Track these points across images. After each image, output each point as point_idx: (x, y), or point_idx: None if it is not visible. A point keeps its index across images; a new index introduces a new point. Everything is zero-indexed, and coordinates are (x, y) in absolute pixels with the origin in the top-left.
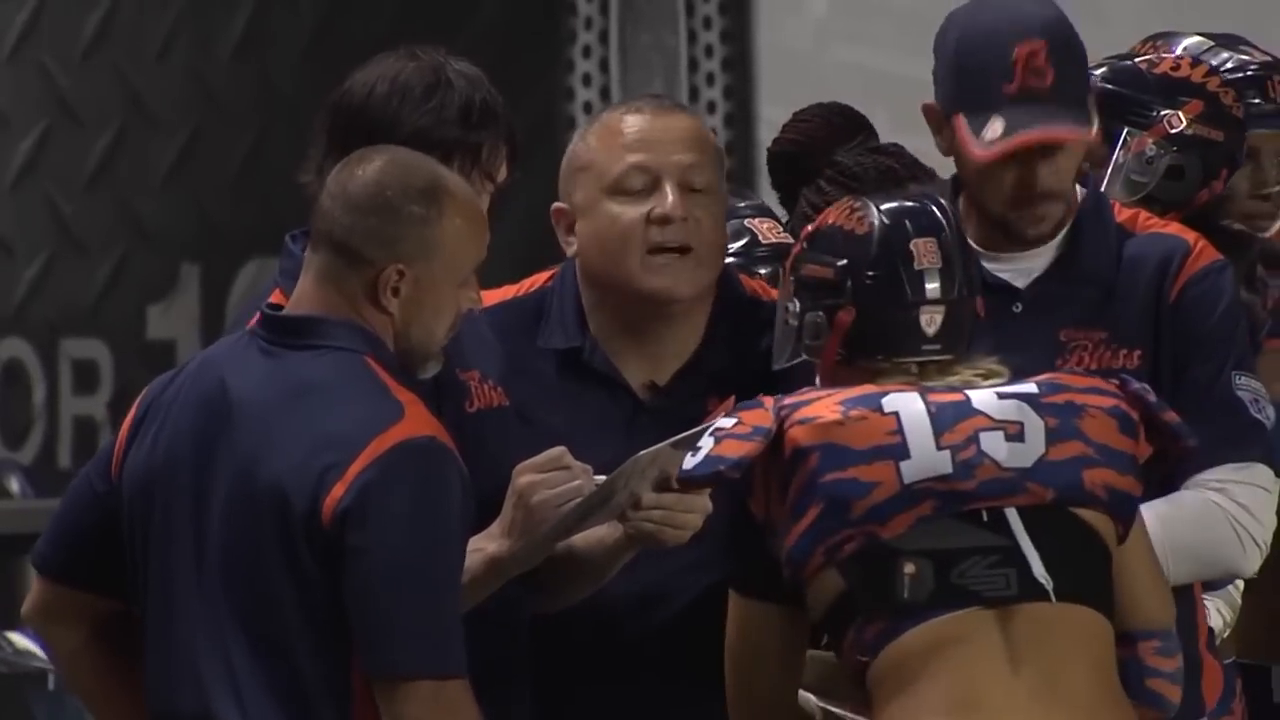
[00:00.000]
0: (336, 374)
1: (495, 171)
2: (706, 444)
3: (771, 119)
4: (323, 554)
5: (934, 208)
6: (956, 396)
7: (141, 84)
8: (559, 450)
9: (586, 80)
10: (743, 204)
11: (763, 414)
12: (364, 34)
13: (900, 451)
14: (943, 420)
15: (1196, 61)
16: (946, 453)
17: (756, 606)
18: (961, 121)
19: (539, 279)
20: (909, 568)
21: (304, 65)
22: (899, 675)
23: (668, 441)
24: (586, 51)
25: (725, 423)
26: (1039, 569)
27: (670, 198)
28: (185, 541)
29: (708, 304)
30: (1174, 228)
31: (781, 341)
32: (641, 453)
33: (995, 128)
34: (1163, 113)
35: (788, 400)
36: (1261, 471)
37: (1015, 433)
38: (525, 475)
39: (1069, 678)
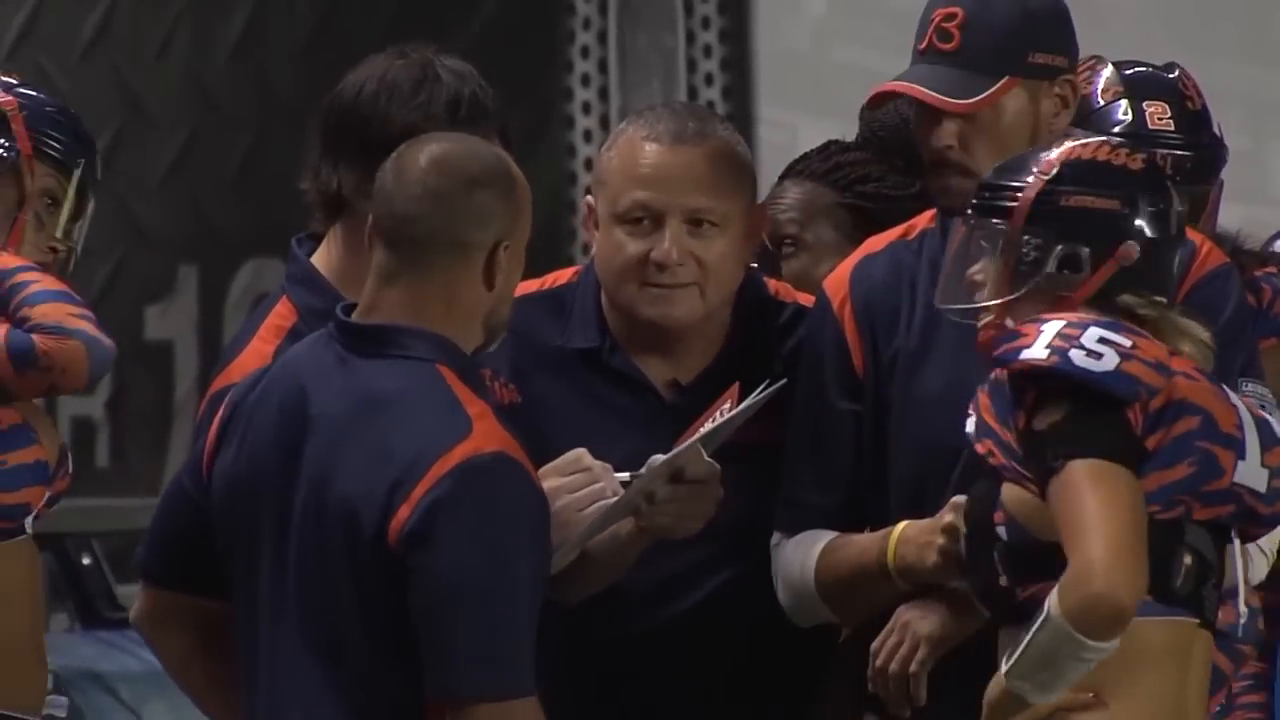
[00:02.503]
0: (407, 386)
1: None
2: (1109, 354)
3: (770, 119)
4: (389, 575)
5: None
6: (1260, 413)
7: (139, 85)
8: (579, 452)
9: (585, 80)
10: None
11: (1159, 348)
12: (361, 35)
13: (1240, 449)
14: (1265, 436)
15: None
16: (1266, 472)
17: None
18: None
19: (561, 275)
20: (1188, 560)
21: (302, 67)
22: (1139, 658)
23: (694, 439)
24: (585, 52)
25: (1123, 340)
26: (1242, 605)
27: (667, 244)
28: (268, 552)
29: (728, 307)
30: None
31: (1006, 274)
32: (660, 456)
33: (886, 82)
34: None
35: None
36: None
37: None
38: (548, 480)
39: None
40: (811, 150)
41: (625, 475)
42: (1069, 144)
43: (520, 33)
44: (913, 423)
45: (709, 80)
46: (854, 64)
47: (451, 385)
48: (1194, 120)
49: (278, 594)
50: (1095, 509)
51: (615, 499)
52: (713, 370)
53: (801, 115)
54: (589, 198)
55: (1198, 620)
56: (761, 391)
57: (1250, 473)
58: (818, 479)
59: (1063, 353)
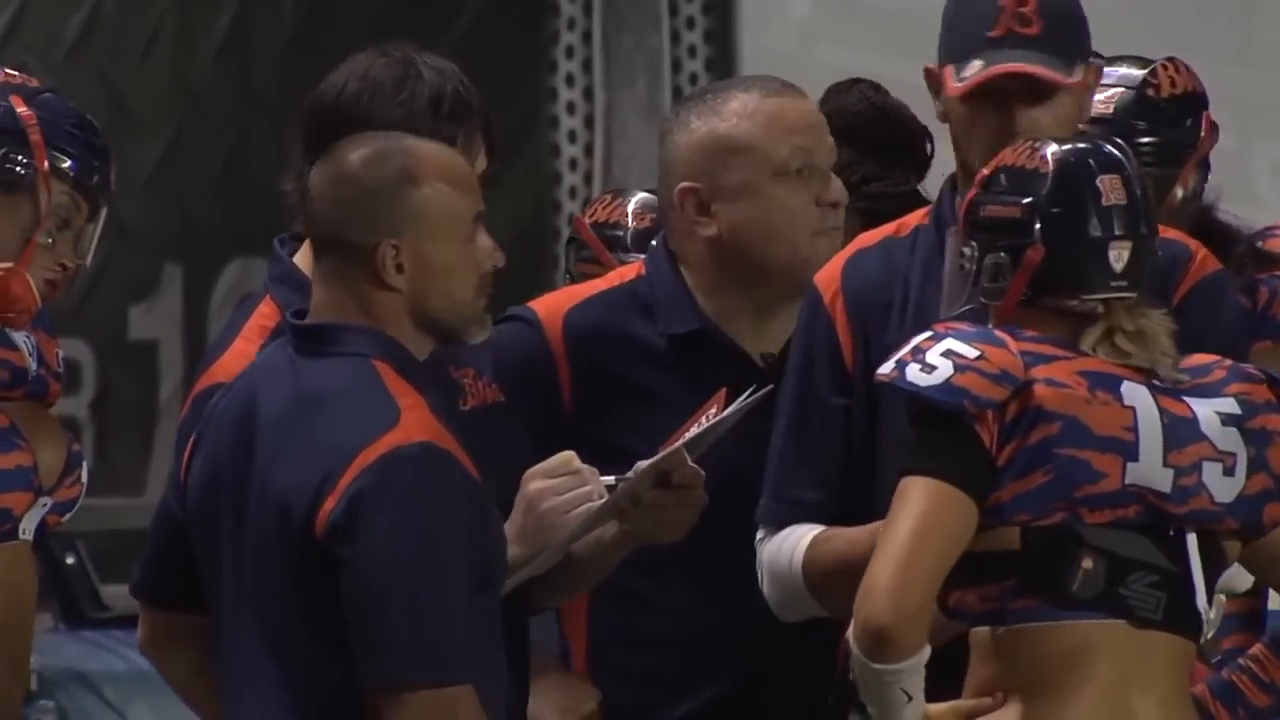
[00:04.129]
0: (338, 381)
1: (472, 162)
2: (944, 366)
3: None
4: (321, 567)
5: (1112, 147)
6: (1183, 409)
7: (124, 85)
8: (568, 454)
9: (570, 81)
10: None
11: (1009, 357)
12: (345, 35)
13: (1131, 452)
14: (1173, 435)
15: (1178, 68)
16: (1170, 472)
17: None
18: (948, 71)
19: (626, 272)
20: (1087, 563)
21: (286, 67)
22: (1042, 663)
23: (679, 443)
24: (570, 52)
25: (966, 350)
26: (1202, 600)
27: (835, 181)
28: (229, 557)
29: None
30: (1174, 233)
31: (954, 288)
32: (645, 461)
33: (973, 67)
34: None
35: (1025, 346)
36: None
37: (1230, 466)
38: (535, 482)
39: (1173, 714)
40: None
41: (611, 479)
42: (1009, 148)
43: (505, 33)
44: (901, 419)
45: (693, 80)
46: (838, 64)
47: (384, 379)
48: (1153, 107)
49: (236, 597)
50: (891, 527)
51: (601, 502)
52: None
53: None
54: (686, 184)
55: (1126, 621)
56: (749, 396)
57: (1147, 473)
58: (806, 474)
59: (903, 366)
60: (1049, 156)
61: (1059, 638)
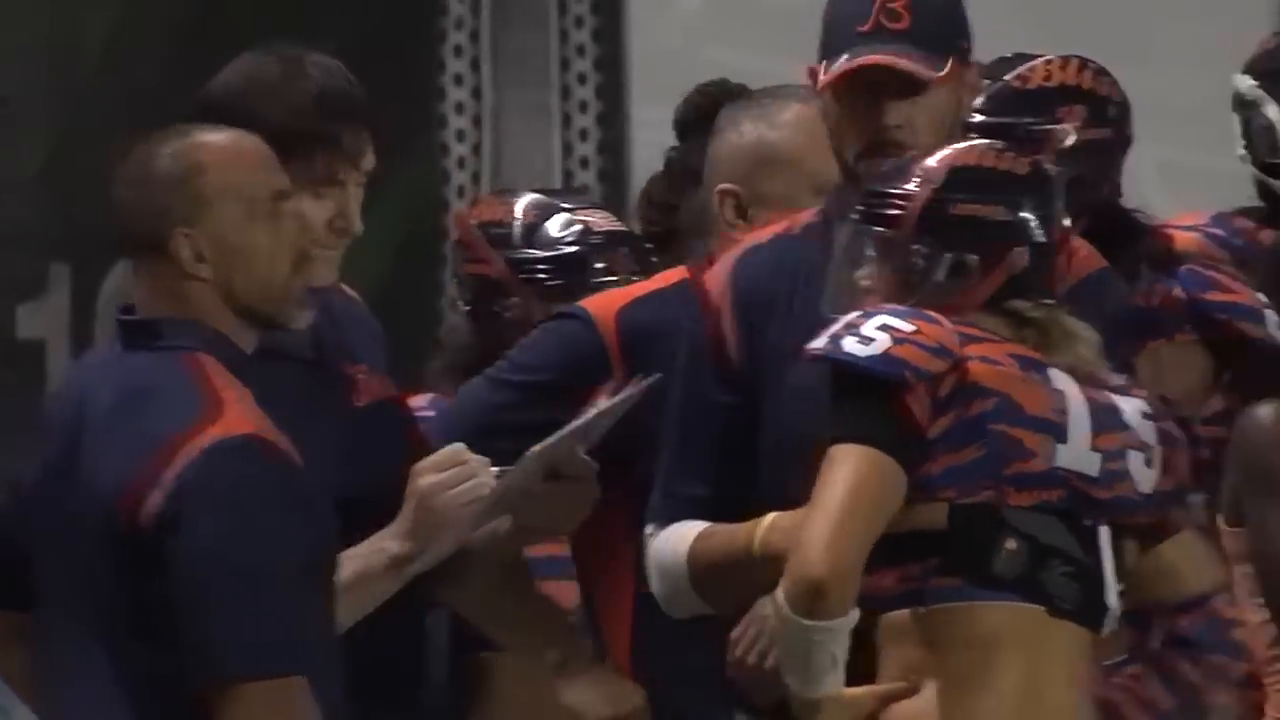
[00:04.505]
0: (161, 376)
1: (360, 160)
2: (881, 338)
3: (644, 119)
4: (148, 562)
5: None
6: (1105, 398)
7: (8, 82)
8: (457, 447)
9: (458, 80)
10: (567, 202)
11: (945, 333)
12: (233, 34)
13: (1060, 433)
14: (1100, 420)
15: (1066, 62)
16: (1098, 456)
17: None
18: (820, 67)
19: (673, 276)
20: (1010, 544)
21: (172, 65)
22: (960, 650)
23: (562, 431)
24: (458, 51)
25: (901, 324)
26: (1113, 596)
27: None
28: (56, 557)
29: None
30: None
31: (850, 287)
32: (534, 448)
33: (841, 61)
34: (1046, 129)
35: (957, 326)
36: None
37: (1150, 458)
38: (426, 476)
39: (1078, 704)
40: None
41: (497, 469)
42: (952, 149)
43: (392, 32)
44: (788, 415)
45: (582, 79)
46: (726, 63)
47: (208, 372)
48: (1015, 99)
49: (65, 595)
50: (824, 491)
51: (492, 495)
52: None
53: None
54: (726, 185)
55: (1044, 607)
56: (635, 386)
57: (1075, 456)
58: (693, 470)
59: (836, 340)
60: (1023, 159)
61: (978, 620)
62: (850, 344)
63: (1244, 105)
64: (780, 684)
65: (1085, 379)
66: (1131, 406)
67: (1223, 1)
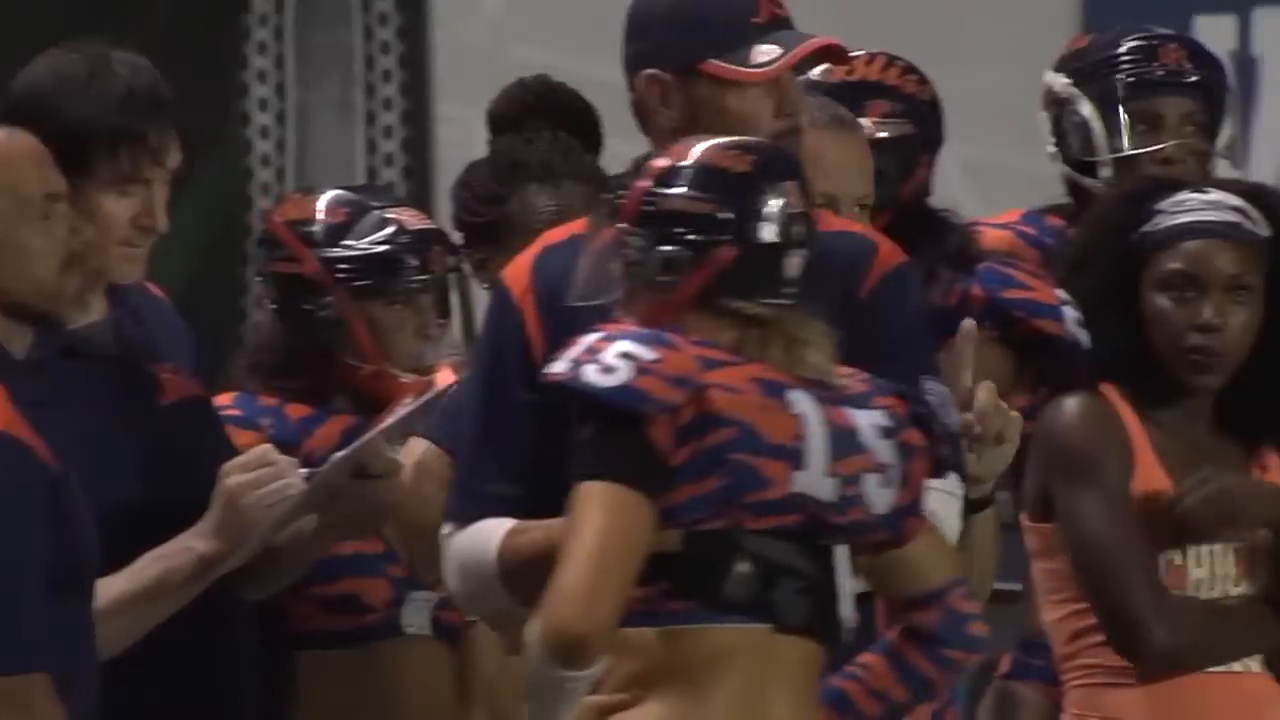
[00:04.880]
0: None
1: (165, 158)
2: (623, 368)
3: (449, 116)
4: None
5: (788, 153)
6: (844, 419)
7: None
8: (265, 448)
9: (262, 77)
10: (373, 200)
11: (686, 361)
12: (36, 33)
13: (798, 460)
14: (838, 445)
15: (873, 59)
16: (834, 482)
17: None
18: (717, 65)
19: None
20: (743, 568)
21: None
22: (683, 666)
23: (374, 433)
24: (262, 48)
25: (644, 353)
26: (847, 609)
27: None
28: None
29: None
30: (858, 226)
31: (599, 278)
32: (341, 452)
33: (767, 51)
34: None
35: (697, 350)
36: (950, 477)
37: (886, 478)
38: (233, 476)
39: (805, 713)
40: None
41: (307, 471)
42: (683, 144)
43: (196, 29)
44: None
45: (387, 77)
46: (532, 62)
47: None
48: (818, 93)
49: None
50: (576, 533)
51: (299, 494)
52: None
53: (479, 113)
54: None
55: (771, 626)
56: (447, 386)
57: (812, 482)
58: (498, 469)
59: (578, 367)
60: (745, 158)
61: (706, 640)
62: (591, 373)
63: (1057, 103)
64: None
65: (826, 394)
66: (869, 422)
67: (1028, 0)
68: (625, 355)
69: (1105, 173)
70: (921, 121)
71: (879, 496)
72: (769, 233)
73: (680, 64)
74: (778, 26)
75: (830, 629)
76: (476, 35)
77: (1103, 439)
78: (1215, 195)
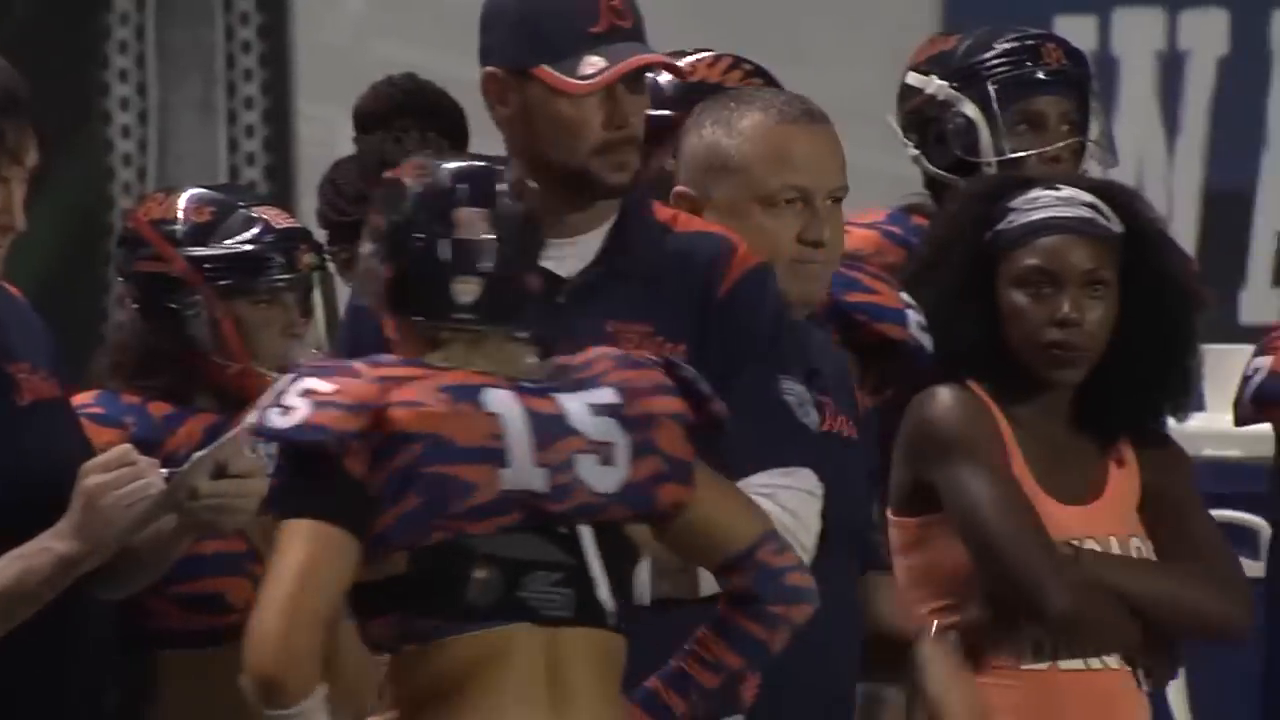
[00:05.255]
0: None
1: (23, 156)
2: (302, 406)
3: (310, 115)
4: None
5: (494, 178)
6: (550, 406)
7: None
8: (125, 448)
9: (123, 76)
10: (237, 198)
11: (364, 386)
12: None
13: (501, 458)
14: (542, 433)
15: (716, 60)
16: (544, 471)
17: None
18: (548, 71)
19: None
20: (480, 573)
21: None
22: (442, 678)
23: (236, 431)
24: (123, 47)
25: (322, 386)
26: (604, 592)
27: (822, 222)
28: None
29: None
30: (718, 227)
31: (361, 286)
32: (201, 452)
33: (595, 63)
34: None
35: (384, 370)
36: (807, 476)
37: (607, 455)
38: (92, 475)
39: (594, 708)
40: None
41: (167, 471)
42: (410, 161)
43: (56, 27)
44: None
45: (248, 76)
46: (393, 59)
47: None
48: (658, 94)
49: None
50: (272, 574)
51: (159, 494)
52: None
53: (340, 111)
54: (681, 189)
55: (530, 623)
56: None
57: (523, 476)
58: None
59: (264, 413)
60: (424, 178)
61: (460, 650)
62: (273, 416)
63: (933, 105)
64: None
65: (536, 386)
66: (580, 405)
67: (884, 2)
68: (305, 392)
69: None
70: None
71: (600, 475)
72: (425, 255)
73: (516, 65)
74: (619, 37)
75: (598, 615)
76: (338, 33)
77: (979, 422)
78: (1067, 192)
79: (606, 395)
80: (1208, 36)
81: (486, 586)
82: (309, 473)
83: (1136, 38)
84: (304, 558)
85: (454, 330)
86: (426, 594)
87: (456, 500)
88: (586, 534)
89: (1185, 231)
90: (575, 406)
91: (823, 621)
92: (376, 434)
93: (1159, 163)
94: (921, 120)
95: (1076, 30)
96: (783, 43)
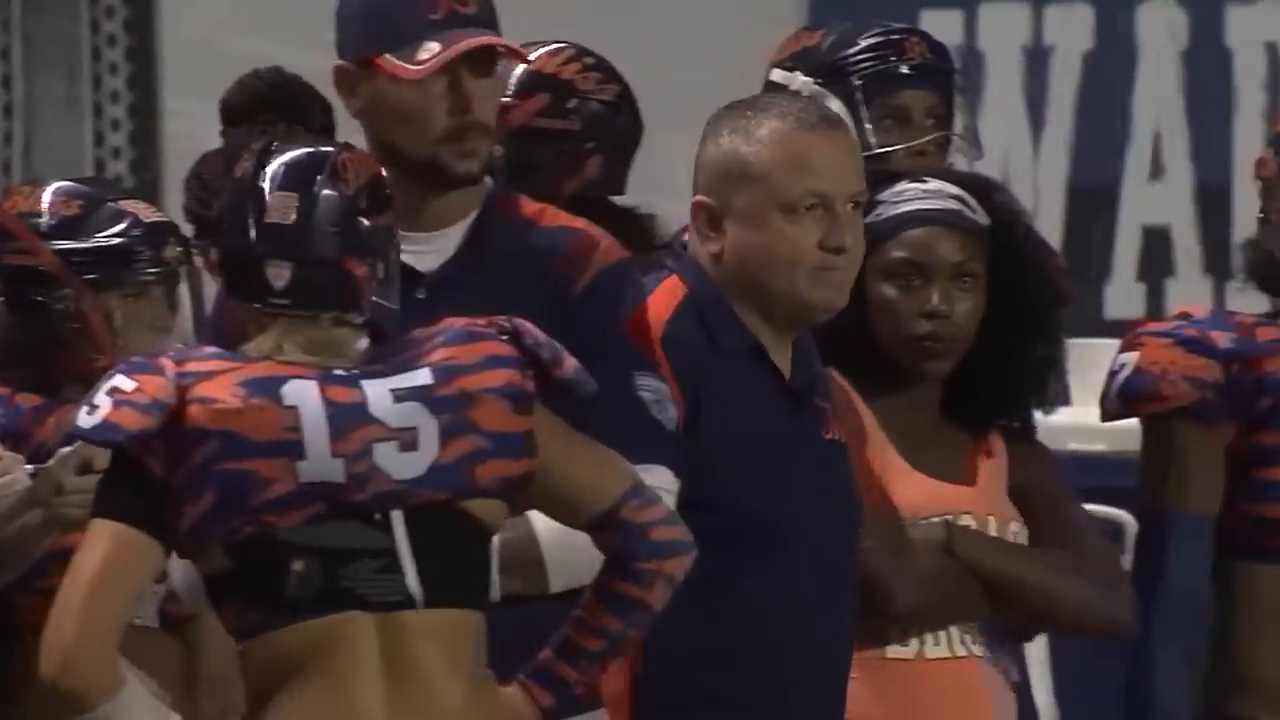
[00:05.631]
0: None
1: None
2: (105, 404)
3: (176, 110)
4: None
5: (317, 162)
6: (354, 395)
7: None
8: None
9: None
10: (104, 192)
11: (163, 384)
12: None
13: (297, 451)
14: (339, 424)
15: (558, 52)
16: (340, 462)
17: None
18: (388, 59)
19: (671, 289)
20: (297, 565)
21: None
22: (275, 671)
23: None
24: None
25: (125, 384)
26: (411, 579)
27: (844, 228)
28: None
29: None
30: (581, 222)
31: None
32: (66, 449)
33: (431, 48)
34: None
35: (189, 367)
36: (663, 473)
37: (409, 441)
38: None
39: (440, 686)
40: None
41: (32, 467)
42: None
43: None
44: None
45: (114, 69)
46: (259, 54)
47: None
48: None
49: None
50: (70, 575)
51: (23, 490)
52: (798, 365)
53: (206, 106)
54: (701, 198)
55: (357, 611)
56: None
57: (320, 468)
58: None
59: (77, 411)
60: (244, 163)
61: (290, 642)
62: (81, 415)
63: None
64: None
65: (345, 374)
66: (384, 392)
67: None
68: (110, 390)
69: None
70: (594, 119)
71: (400, 461)
72: (238, 239)
73: (361, 57)
74: (459, 23)
75: (411, 601)
76: (203, 28)
77: (838, 410)
78: (934, 184)
79: (419, 378)
80: (1073, 31)
81: (305, 578)
82: (112, 472)
83: (1002, 32)
84: (99, 561)
85: (273, 315)
86: (250, 588)
87: (254, 495)
88: (398, 520)
89: (1051, 225)
90: (379, 393)
91: (823, 622)
92: (174, 432)
93: (1025, 157)
94: None
95: (943, 25)
96: (637, 34)
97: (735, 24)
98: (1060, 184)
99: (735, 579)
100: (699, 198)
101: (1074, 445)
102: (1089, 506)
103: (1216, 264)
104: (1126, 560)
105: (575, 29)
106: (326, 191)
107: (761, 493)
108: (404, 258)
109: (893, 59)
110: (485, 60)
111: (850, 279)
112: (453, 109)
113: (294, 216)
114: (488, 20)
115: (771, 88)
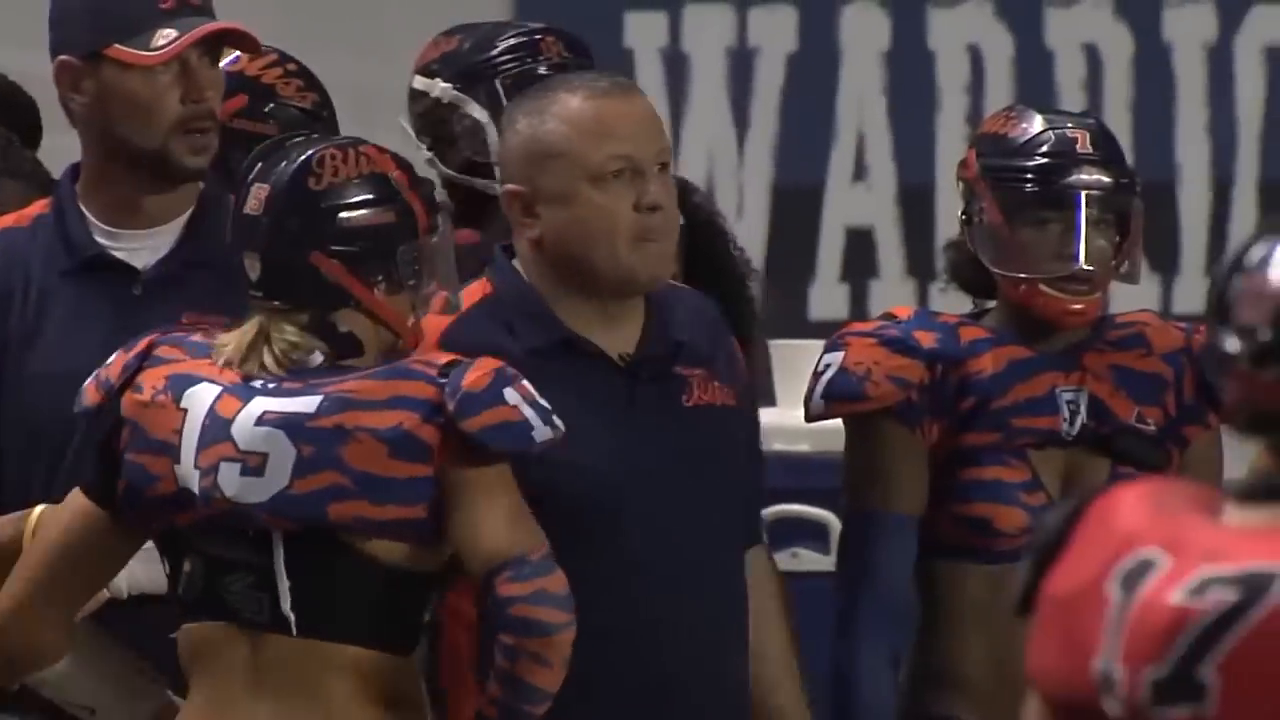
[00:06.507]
0: None
1: None
2: (97, 377)
3: None
4: None
5: (297, 153)
6: (234, 408)
7: None
8: None
9: None
10: None
11: (120, 366)
12: None
13: (175, 454)
14: (206, 437)
15: (264, 55)
16: (198, 474)
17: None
18: (120, 48)
19: (473, 292)
20: (188, 565)
21: None
22: (185, 663)
23: None
24: None
25: (111, 359)
26: (286, 604)
27: (655, 185)
28: None
29: None
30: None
31: None
32: None
33: (167, 34)
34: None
35: (158, 352)
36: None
37: (255, 465)
38: None
39: (307, 714)
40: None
41: None
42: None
43: None
44: (21, 404)
45: None
46: None
47: None
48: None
49: None
50: (28, 549)
51: None
52: (647, 338)
53: None
54: (510, 187)
55: (227, 623)
56: None
57: (186, 475)
58: None
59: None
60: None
61: (186, 639)
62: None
63: (441, 108)
64: None
65: (254, 387)
66: (256, 412)
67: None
68: (108, 364)
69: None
70: (291, 125)
71: (242, 484)
72: (233, 231)
73: (88, 49)
74: (188, 12)
75: (286, 624)
76: None
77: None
78: None
79: (302, 404)
80: (777, 33)
81: (190, 580)
82: (83, 442)
83: (707, 34)
84: (59, 530)
85: (254, 305)
86: (171, 578)
87: (147, 489)
88: (278, 540)
89: (755, 227)
90: (249, 413)
91: (714, 601)
92: (120, 414)
93: (729, 159)
94: (434, 122)
95: (647, 26)
96: (341, 33)
97: (443, 23)
98: (765, 185)
99: (573, 565)
100: (508, 187)
101: (778, 446)
102: (793, 507)
103: (919, 265)
104: (829, 561)
105: (277, 27)
106: (294, 184)
107: (592, 476)
108: (120, 254)
109: (529, 61)
110: (215, 50)
111: (670, 248)
112: (184, 96)
113: (260, 208)
114: (211, 12)
115: (414, 95)
